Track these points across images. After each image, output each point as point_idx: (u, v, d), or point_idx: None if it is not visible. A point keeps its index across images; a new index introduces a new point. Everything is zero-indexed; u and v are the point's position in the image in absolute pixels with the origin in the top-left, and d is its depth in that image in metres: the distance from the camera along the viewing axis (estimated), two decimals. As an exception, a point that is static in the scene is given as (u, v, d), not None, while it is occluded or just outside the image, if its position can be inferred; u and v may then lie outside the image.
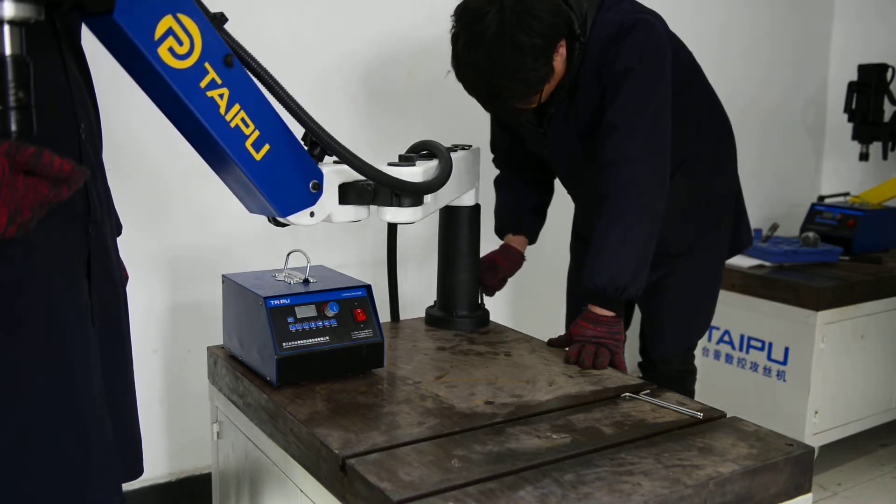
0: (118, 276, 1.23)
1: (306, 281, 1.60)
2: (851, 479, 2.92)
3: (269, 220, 1.43)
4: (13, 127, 0.88)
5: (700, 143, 2.01)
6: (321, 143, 1.33)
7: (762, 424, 1.37)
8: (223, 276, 1.66)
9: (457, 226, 1.90)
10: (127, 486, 1.20)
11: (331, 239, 2.53)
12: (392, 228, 1.95)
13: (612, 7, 1.80)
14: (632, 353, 2.65)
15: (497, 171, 2.25)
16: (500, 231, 2.21)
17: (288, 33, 2.39)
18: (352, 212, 1.46)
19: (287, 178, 1.32)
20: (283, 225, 1.41)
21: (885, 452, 3.15)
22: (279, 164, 1.29)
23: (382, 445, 1.26)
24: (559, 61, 1.76)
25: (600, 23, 1.77)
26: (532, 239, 2.22)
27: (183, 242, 2.32)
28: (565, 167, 2.08)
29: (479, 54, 1.66)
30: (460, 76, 1.75)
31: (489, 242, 2.85)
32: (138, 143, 2.19)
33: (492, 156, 2.24)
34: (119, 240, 1.31)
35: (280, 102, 1.28)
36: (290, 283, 1.58)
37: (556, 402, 1.46)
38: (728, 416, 1.42)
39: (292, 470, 1.40)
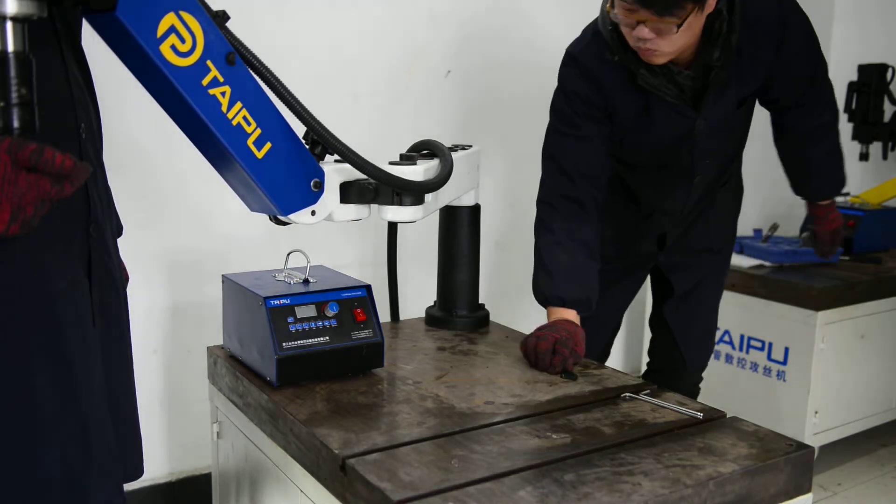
0: (119, 276, 1.23)
1: (306, 281, 1.60)
2: (851, 479, 2.92)
3: (271, 219, 1.43)
4: (15, 123, 0.88)
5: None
6: (323, 141, 1.33)
7: (762, 424, 1.37)
8: (223, 276, 1.66)
9: (457, 226, 1.90)
10: (127, 487, 1.20)
11: (331, 239, 2.53)
12: (392, 228, 1.95)
13: None
14: (632, 364, 2.62)
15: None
16: (561, 298, 1.81)
17: (288, 32, 2.39)
18: (353, 210, 1.46)
19: (288, 177, 1.32)
20: (285, 223, 1.41)
21: (885, 452, 3.15)
22: (281, 162, 1.29)
23: (382, 445, 1.26)
24: (701, 14, 1.65)
25: (750, 5, 1.79)
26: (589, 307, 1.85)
27: (183, 243, 2.32)
28: (701, 148, 1.93)
29: None
30: None
31: (489, 243, 2.87)
32: (139, 143, 2.19)
33: (544, 202, 1.91)
34: (119, 240, 1.31)
35: (282, 101, 1.28)
36: (290, 283, 1.58)
37: (556, 402, 1.46)
38: (728, 416, 1.42)
39: (292, 470, 1.40)
